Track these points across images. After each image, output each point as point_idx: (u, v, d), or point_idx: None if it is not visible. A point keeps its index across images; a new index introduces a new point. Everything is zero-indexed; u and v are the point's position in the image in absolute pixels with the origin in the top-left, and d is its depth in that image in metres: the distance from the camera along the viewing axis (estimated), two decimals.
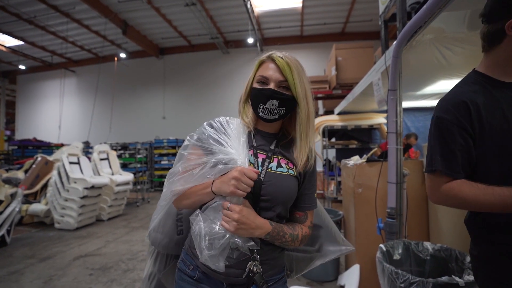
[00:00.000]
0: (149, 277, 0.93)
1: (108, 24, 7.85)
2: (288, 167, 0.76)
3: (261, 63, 0.78)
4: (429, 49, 1.68)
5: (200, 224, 0.68)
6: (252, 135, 0.81)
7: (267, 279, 0.74)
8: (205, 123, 0.80)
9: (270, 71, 0.75)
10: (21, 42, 9.25)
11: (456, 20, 1.39)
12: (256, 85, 0.77)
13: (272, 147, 0.79)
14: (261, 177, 0.73)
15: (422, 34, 1.48)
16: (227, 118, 0.82)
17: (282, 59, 0.74)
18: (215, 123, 0.79)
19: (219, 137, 0.74)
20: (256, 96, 0.76)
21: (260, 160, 0.76)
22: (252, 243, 0.69)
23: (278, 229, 0.72)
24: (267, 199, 0.73)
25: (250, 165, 0.74)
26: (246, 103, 0.82)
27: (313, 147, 0.79)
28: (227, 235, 0.67)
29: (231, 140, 0.74)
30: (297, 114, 0.77)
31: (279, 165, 0.76)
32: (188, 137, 0.78)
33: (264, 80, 0.75)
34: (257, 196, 0.72)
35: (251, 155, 0.76)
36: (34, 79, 11.96)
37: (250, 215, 0.68)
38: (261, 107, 0.75)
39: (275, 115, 0.75)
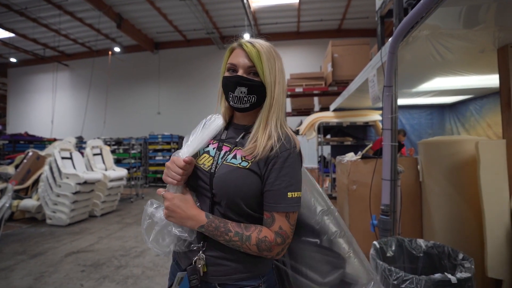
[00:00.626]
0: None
1: (102, 17, 7.70)
2: (243, 159, 0.70)
3: (231, 51, 0.75)
4: (425, 45, 1.67)
5: (149, 211, 0.73)
6: (223, 128, 0.80)
7: (232, 282, 0.69)
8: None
9: (238, 58, 0.72)
10: (12, 34, 9.02)
11: (451, 16, 1.38)
12: (226, 74, 0.74)
13: (238, 139, 0.75)
14: (215, 169, 0.71)
15: (418, 30, 1.46)
16: (218, 115, 0.82)
17: (251, 44, 0.71)
18: (205, 119, 0.81)
19: (194, 132, 0.77)
20: (226, 85, 0.73)
21: (223, 152, 0.74)
22: (185, 234, 0.68)
23: (217, 224, 0.66)
24: (215, 192, 0.69)
25: (207, 156, 0.75)
26: (223, 96, 0.78)
27: (281, 135, 0.70)
28: (163, 222, 0.70)
29: (198, 134, 0.76)
30: (265, 101, 0.72)
31: (234, 156, 0.71)
32: None
33: (233, 68, 0.73)
34: (211, 189, 0.70)
35: (214, 148, 0.76)
36: (26, 72, 11.72)
37: (183, 204, 0.68)
38: (231, 95, 0.72)
39: (245, 103, 0.72)
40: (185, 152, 0.72)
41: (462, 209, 1.66)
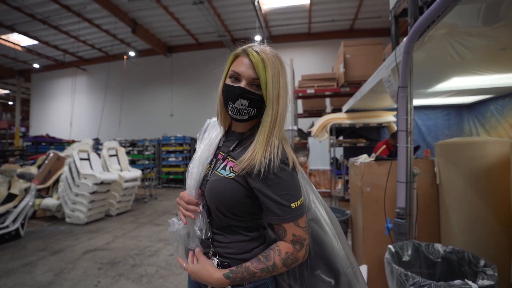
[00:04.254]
0: None
1: (117, 23, 7.97)
2: (231, 170, 0.71)
3: (236, 57, 0.73)
4: (441, 44, 1.62)
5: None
6: (222, 135, 0.81)
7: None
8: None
9: (242, 67, 0.70)
10: (35, 42, 9.50)
11: (470, 14, 1.33)
12: (228, 81, 0.72)
13: (231, 148, 0.75)
14: (208, 178, 0.75)
15: (434, 29, 1.42)
16: (213, 119, 0.85)
17: (258, 54, 0.68)
18: (207, 123, 0.85)
19: (201, 141, 0.82)
20: (227, 94, 0.72)
21: (216, 161, 0.77)
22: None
23: (242, 275, 0.67)
24: (206, 197, 0.74)
25: (207, 167, 0.78)
26: (223, 105, 0.77)
27: (279, 153, 0.68)
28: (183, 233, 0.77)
29: (201, 146, 0.81)
30: (263, 115, 0.70)
31: (224, 167, 0.72)
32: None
33: (236, 76, 0.70)
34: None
35: (213, 157, 0.79)
36: (48, 77, 12.28)
37: (202, 271, 0.69)
38: (231, 105, 0.71)
39: (244, 115, 0.71)
40: (192, 186, 0.75)
41: (484, 214, 1.59)
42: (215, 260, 0.72)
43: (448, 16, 1.29)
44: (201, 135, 0.83)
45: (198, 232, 0.74)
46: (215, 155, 0.78)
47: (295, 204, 0.67)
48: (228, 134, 0.80)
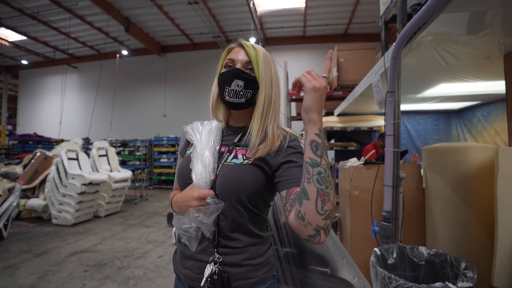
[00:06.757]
0: None
1: (110, 21, 7.85)
2: (245, 157, 0.70)
3: (229, 51, 0.77)
4: (429, 51, 1.66)
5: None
6: (223, 131, 0.78)
7: None
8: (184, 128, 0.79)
9: (237, 54, 0.74)
10: (24, 37, 9.26)
11: (456, 22, 1.37)
12: (223, 70, 0.74)
13: (236, 140, 0.74)
14: (217, 172, 0.70)
15: (421, 36, 1.46)
16: (199, 122, 0.80)
17: (250, 43, 0.74)
18: (198, 124, 0.78)
19: (196, 142, 0.73)
20: (222, 80, 0.72)
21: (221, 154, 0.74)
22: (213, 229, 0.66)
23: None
24: (218, 193, 0.67)
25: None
26: (218, 99, 0.77)
27: (284, 131, 0.71)
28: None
29: (201, 140, 0.73)
30: (257, 95, 0.71)
31: (235, 156, 0.71)
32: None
33: (231, 63, 0.73)
34: (214, 189, 0.69)
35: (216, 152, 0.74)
36: (36, 74, 11.99)
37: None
38: (227, 89, 0.70)
39: (241, 97, 0.70)
40: (205, 176, 0.67)
41: (467, 218, 1.63)
42: (212, 267, 0.65)
43: (434, 23, 1.32)
44: (196, 135, 0.75)
45: (210, 229, 0.66)
46: (218, 150, 0.74)
47: None
48: (228, 129, 0.78)
